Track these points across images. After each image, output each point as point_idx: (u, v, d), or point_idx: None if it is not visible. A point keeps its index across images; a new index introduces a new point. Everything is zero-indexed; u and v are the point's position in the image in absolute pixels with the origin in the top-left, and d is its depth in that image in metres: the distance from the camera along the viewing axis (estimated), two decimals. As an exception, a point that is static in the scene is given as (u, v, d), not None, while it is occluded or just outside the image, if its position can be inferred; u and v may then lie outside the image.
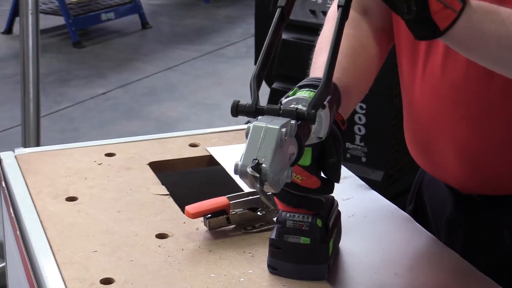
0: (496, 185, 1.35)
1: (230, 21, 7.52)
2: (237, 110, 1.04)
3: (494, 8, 1.10)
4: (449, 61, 1.28)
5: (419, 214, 1.53)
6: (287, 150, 1.02)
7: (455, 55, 1.26)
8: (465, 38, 1.10)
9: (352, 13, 1.34)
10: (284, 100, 1.12)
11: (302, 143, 1.04)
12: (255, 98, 1.05)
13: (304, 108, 1.03)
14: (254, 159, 0.98)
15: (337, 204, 1.29)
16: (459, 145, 1.33)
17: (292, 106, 1.08)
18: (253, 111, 1.04)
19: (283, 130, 0.99)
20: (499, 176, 1.33)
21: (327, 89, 1.06)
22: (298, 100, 1.11)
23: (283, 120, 1.01)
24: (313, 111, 1.02)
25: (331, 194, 1.25)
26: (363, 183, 1.55)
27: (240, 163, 0.99)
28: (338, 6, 1.09)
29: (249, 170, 0.98)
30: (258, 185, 0.98)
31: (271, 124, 1.00)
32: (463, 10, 1.06)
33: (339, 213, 1.29)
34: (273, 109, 1.03)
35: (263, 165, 0.98)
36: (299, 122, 1.04)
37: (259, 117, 1.03)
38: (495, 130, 1.29)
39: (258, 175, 0.97)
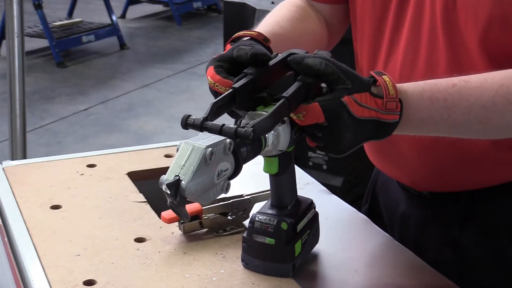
0: (446, 182, 1.35)
1: (201, 42, 7.53)
2: (186, 123, 1.01)
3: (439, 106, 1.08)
4: (405, 70, 1.28)
5: (374, 212, 1.54)
6: (215, 167, 0.97)
7: (411, 66, 1.26)
8: (415, 132, 1.12)
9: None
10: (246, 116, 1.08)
11: (239, 159, 1.00)
12: (207, 113, 1.01)
13: (243, 129, 0.97)
14: (176, 176, 0.95)
15: (314, 207, 1.26)
16: (415, 144, 1.32)
17: (232, 126, 1.00)
18: (199, 126, 1.00)
19: (209, 149, 0.95)
20: (450, 174, 1.33)
21: (274, 116, 1.01)
22: (256, 115, 1.06)
23: (217, 139, 0.97)
24: (250, 129, 0.97)
25: (311, 198, 1.25)
26: (325, 188, 1.55)
27: (163, 178, 0.95)
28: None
29: (163, 186, 0.94)
30: (169, 199, 0.95)
31: (200, 143, 0.96)
32: (399, 122, 1.06)
33: (315, 216, 1.26)
34: (216, 128, 0.99)
35: (182, 182, 0.94)
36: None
37: (199, 134, 1.00)
38: None
39: (168, 192, 0.94)
